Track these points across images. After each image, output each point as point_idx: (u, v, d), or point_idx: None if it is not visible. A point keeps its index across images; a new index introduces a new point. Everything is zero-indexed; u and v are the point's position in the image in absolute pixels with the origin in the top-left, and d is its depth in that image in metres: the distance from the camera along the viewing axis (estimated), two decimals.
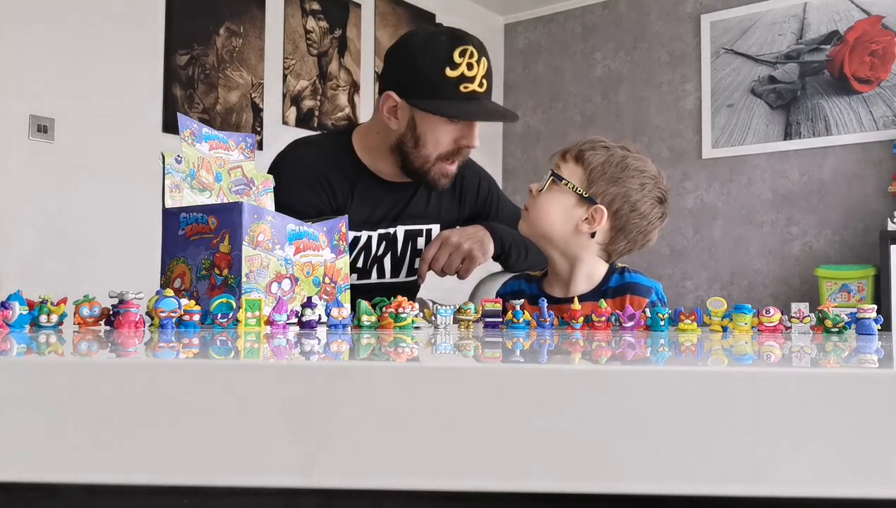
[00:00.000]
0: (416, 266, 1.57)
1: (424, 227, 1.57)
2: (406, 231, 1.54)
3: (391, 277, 1.55)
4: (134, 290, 0.80)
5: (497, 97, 4.62)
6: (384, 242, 1.53)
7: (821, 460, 0.37)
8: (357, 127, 1.55)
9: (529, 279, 1.35)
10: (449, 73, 1.33)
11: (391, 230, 1.53)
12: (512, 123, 4.62)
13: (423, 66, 1.35)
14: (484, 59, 1.37)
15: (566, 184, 1.21)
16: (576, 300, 1.02)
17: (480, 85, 1.35)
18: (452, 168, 1.45)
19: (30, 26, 2.67)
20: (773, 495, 0.37)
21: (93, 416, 0.38)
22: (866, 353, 0.60)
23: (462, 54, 1.33)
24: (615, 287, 1.25)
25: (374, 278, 1.54)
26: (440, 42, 1.35)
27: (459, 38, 1.36)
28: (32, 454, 0.38)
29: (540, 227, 1.25)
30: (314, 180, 1.43)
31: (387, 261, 1.54)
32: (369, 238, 1.50)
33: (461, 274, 1.51)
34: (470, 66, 1.33)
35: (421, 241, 1.57)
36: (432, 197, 1.57)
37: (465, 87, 1.34)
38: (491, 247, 1.51)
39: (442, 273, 1.50)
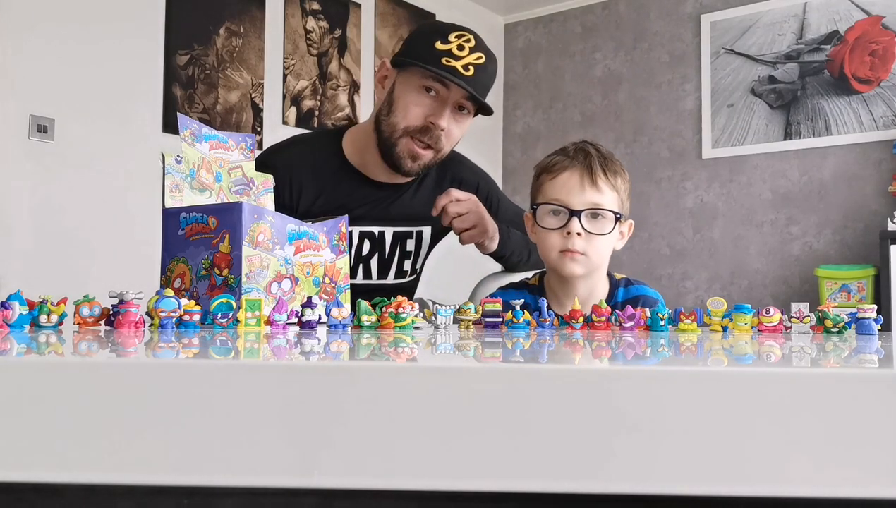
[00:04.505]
0: (405, 268, 1.55)
1: (415, 229, 1.54)
2: (395, 232, 1.51)
3: (378, 279, 1.52)
4: (134, 290, 0.80)
5: (497, 97, 4.62)
6: (370, 242, 1.50)
7: (820, 460, 0.37)
8: (353, 126, 1.55)
9: (531, 290, 1.33)
10: (438, 45, 1.36)
11: (375, 229, 1.50)
12: (512, 124, 4.62)
13: (419, 38, 1.42)
14: (481, 53, 1.37)
15: (617, 217, 1.22)
16: (576, 299, 1.02)
17: (466, 69, 1.35)
18: (422, 152, 1.41)
19: (30, 26, 2.67)
20: (773, 495, 0.37)
21: (93, 416, 0.38)
22: (866, 353, 0.60)
23: (458, 37, 1.37)
24: (623, 301, 1.25)
25: (359, 278, 1.50)
26: (444, 26, 1.41)
27: (463, 28, 1.40)
28: (32, 454, 0.38)
29: (600, 264, 1.25)
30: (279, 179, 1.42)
31: (373, 263, 1.51)
32: (350, 233, 1.48)
33: (463, 238, 1.47)
34: (461, 48, 1.35)
35: (410, 243, 1.54)
36: (423, 197, 1.53)
37: (448, 61, 1.35)
38: (493, 246, 1.51)
39: (449, 222, 1.44)
